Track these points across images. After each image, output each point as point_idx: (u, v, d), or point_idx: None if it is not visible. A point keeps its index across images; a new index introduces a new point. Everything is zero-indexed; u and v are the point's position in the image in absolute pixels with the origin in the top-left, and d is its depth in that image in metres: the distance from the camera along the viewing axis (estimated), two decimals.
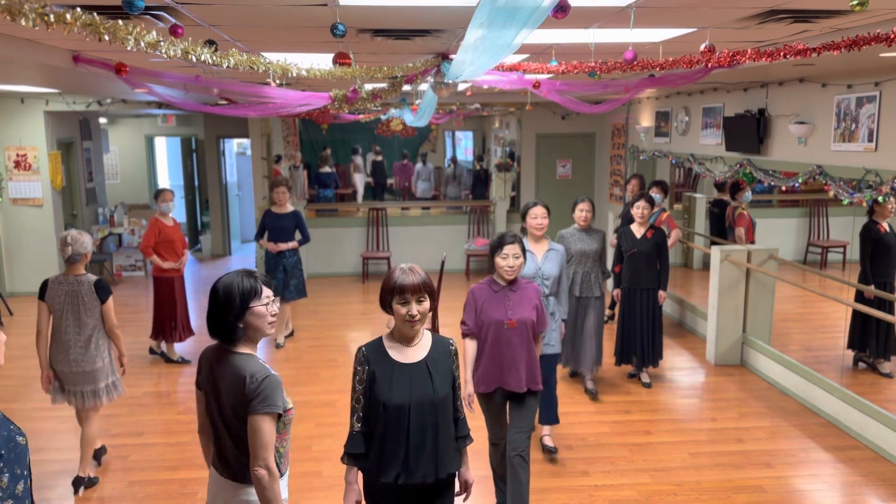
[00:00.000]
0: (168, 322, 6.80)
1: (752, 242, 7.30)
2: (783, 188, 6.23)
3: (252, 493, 2.53)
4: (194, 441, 5.17)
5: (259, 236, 7.35)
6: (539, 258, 4.63)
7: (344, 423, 5.34)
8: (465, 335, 3.89)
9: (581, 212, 5.54)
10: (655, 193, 6.98)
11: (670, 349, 7.23)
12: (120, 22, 2.50)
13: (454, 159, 14.14)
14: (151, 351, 7.00)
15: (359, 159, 14.26)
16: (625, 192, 8.87)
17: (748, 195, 7.69)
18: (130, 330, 7.63)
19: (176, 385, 6.37)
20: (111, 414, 5.62)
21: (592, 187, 11.23)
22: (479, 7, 2.29)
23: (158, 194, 6.81)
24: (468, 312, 3.87)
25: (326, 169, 12.62)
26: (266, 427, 2.42)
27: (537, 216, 4.62)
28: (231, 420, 2.51)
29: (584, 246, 5.62)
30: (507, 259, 3.79)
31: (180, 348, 7.11)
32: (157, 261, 6.64)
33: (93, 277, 4.44)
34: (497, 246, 3.84)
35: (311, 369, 6.66)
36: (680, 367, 6.80)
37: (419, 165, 14.10)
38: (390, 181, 14.95)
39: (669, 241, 6.85)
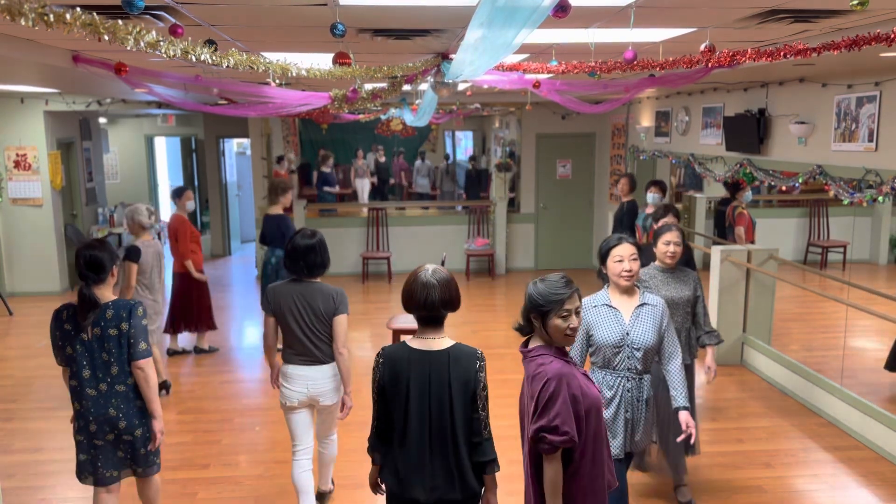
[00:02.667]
0: (207, 314, 7.03)
1: (752, 242, 7.31)
2: (783, 188, 6.23)
3: (331, 367, 3.81)
4: (194, 441, 5.18)
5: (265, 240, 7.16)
6: (627, 318, 3.33)
7: (348, 423, 5.34)
8: (556, 448, 2.52)
9: (667, 245, 4.05)
10: (654, 193, 6.95)
11: None
12: (120, 22, 2.50)
13: (447, 157, 15.30)
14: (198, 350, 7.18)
15: (361, 162, 14.14)
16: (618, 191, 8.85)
17: (748, 194, 7.69)
18: None
19: (177, 385, 6.36)
20: None
21: (592, 187, 11.23)
22: (479, 7, 2.29)
23: (182, 192, 6.79)
24: (563, 411, 2.50)
25: (326, 168, 12.57)
26: (346, 322, 3.78)
27: (623, 258, 3.34)
28: (321, 325, 3.73)
29: (671, 292, 4.07)
30: (570, 318, 2.62)
31: (184, 341, 7.26)
32: (193, 269, 6.64)
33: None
34: (555, 302, 2.60)
35: None
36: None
37: (418, 162, 14.91)
38: (392, 181, 15.07)
39: None
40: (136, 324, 3.33)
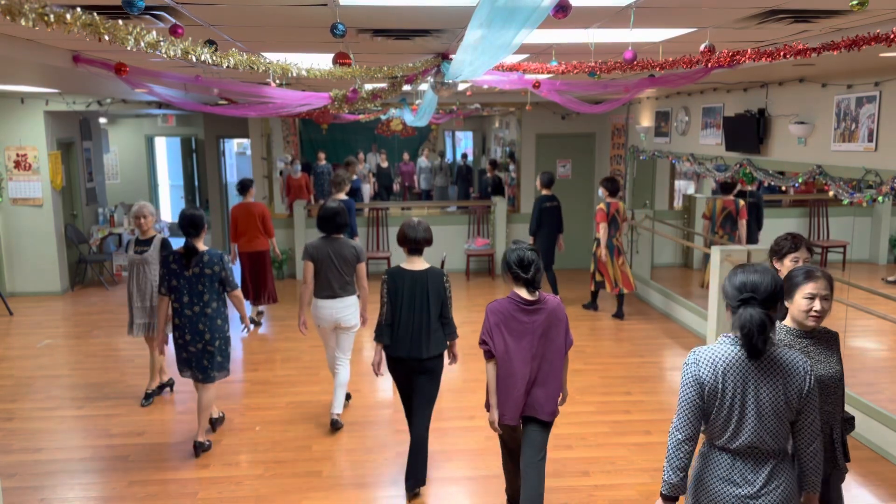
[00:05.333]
0: (272, 287, 8.16)
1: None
2: (783, 188, 6.23)
3: (354, 299, 5.23)
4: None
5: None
6: None
7: (352, 423, 5.36)
8: (486, 353, 3.70)
9: (811, 300, 2.84)
10: (600, 190, 7.46)
11: (670, 349, 7.23)
12: (120, 22, 2.51)
13: (442, 154, 16.01)
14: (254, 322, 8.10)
15: (361, 166, 13.92)
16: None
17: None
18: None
19: (177, 385, 6.36)
20: (111, 414, 5.62)
21: (593, 188, 11.24)
22: (479, 7, 2.29)
23: (251, 184, 7.82)
24: (485, 330, 3.71)
25: (354, 177, 12.17)
26: (365, 268, 5.23)
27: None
28: (348, 269, 5.11)
29: (815, 368, 2.88)
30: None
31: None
32: (276, 247, 8.10)
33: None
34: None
35: (311, 369, 6.66)
36: (680, 368, 6.79)
37: (420, 160, 15.45)
38: (396, 186, 15.01)
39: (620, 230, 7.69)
40: (227, 267, 4.78)
